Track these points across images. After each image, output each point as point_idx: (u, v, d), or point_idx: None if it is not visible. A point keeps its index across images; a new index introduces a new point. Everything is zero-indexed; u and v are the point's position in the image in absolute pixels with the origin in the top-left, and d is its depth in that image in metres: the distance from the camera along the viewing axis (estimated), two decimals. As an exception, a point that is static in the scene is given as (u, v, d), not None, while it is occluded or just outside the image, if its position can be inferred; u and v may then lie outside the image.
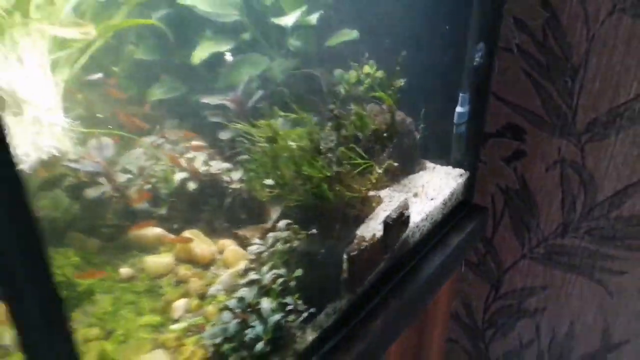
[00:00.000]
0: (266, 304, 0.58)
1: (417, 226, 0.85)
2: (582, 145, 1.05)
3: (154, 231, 0.75)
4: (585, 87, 1.01)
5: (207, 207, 0.76)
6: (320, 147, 0.61)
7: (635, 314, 1.12)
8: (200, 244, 0.73)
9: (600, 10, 0.95)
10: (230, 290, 0.65)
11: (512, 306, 1.29)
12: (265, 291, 0.60)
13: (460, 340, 1.42)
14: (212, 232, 0.76)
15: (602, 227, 1.09)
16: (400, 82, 0.72)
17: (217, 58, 0.84)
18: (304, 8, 0.80)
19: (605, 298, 1.14)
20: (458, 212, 0.99)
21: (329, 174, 0.61)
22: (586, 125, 1.03)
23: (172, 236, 0.77)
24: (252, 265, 0.64)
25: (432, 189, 0.89)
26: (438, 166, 0.96)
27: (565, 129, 1.05)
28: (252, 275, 0.61)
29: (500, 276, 1.28)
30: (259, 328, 0.57)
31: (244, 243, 0.72)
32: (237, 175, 0.76)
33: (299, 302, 0.62)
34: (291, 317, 0.61)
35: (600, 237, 1.10)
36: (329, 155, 0.62)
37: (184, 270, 0.71)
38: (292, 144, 0.61)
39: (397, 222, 0.78)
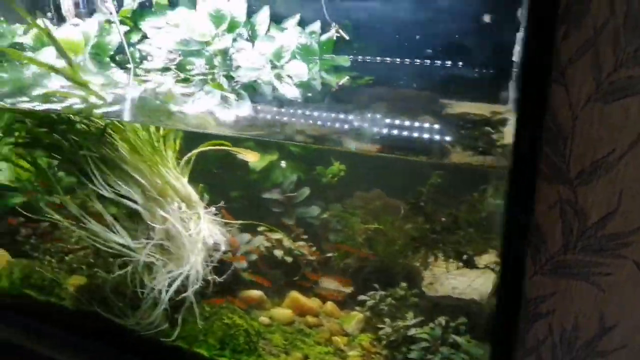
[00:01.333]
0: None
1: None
2: (574, 188, 1.51)
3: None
4: (573, 150, 1.47)
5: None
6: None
7: (619, 304, 1.57)
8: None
9: (580, 99, 1.42)
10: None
11: (529, 312, 1.70)
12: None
13: (489, 347, 1.79)
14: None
15: (592, 244, 1.54)
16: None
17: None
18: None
19: (598, 295, 1.58)
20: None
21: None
22: (576, 175, 1.49)
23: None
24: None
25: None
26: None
27: (561, 178, 1.51)
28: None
29: (519, 290, 1.69)
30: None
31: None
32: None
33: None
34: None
35: (592, 251, 1.55)
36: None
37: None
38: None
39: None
